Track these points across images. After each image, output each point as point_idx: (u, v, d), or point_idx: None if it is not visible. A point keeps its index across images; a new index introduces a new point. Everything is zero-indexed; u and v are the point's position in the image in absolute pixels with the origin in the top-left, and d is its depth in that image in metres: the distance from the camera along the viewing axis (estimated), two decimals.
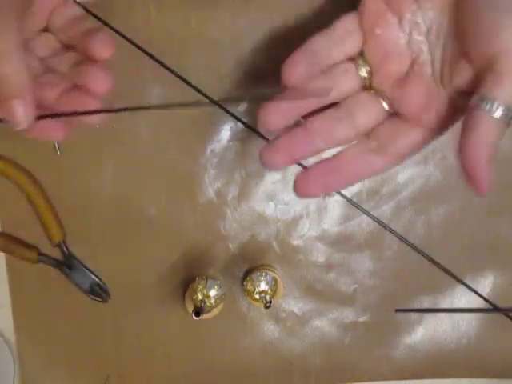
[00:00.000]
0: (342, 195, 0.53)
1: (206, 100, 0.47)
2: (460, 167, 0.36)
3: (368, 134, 0.40)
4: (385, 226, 0.54)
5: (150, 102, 0.51)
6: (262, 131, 0.41)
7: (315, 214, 0.54)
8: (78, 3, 0.42)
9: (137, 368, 0.56)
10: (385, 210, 0.54)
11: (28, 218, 0.54)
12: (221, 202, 0.54)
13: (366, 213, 0.53)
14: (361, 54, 0.40)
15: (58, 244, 0.54)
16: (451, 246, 0.54)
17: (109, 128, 0.52)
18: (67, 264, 0.54)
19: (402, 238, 0.54)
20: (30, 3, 0.37)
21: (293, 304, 0.55)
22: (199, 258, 0.54)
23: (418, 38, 0.37)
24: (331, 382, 0.56)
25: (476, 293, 0.54)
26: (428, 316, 0.55)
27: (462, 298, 0.54)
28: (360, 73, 0.40)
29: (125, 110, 0.40)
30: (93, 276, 0.55)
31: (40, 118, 0.38)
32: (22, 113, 0.37)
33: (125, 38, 0.48)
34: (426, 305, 0.55)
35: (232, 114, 0.52)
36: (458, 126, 0.53)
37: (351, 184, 0.41)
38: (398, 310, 0.54)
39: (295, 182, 0.40)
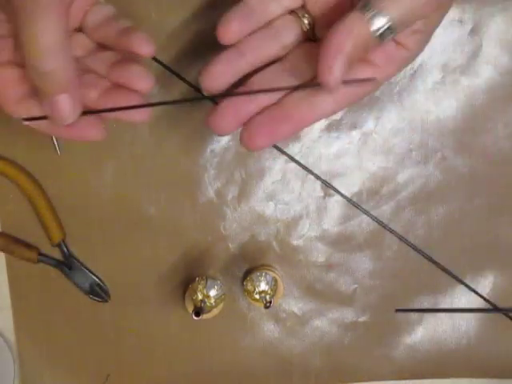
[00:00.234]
0: (342, 195, 0.53)
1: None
2: (319, 59, 0.35)
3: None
4: (385, 226, 0.54)
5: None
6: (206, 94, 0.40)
7: (315, 214, 0.54)
8: None
9: (137, 368, 0.56)
10: (385, 210, 0.54)
11: (28, 218, 0.54)
12: (221, 202, 0.54)
13: (366, 213, 0.53)
14: (302, 6, 0.40)
15: (58, 244, 0.54)
16: (451, 246, 0.54)
17: (109, 128, 0.52)
18: (67, 264, 0.54)
19: (402, 238, 0.54)
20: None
21: (293, 304, 0.55)
22: (199, 257, 0.54)
23: None
24: (331, 382, 0.56)
25: (476, 293, 0.54)
26: (428, 316, 0.55)
27: (461, 298, 0.54)
28: (302, 25, 0.40)
29: (166, 103, 0.40)
30: (93, 276, 0.55)
31: (85, 113, 0.38)
32: (68, 107, 0.36)
33: None
34: (425, 305, 0.55)
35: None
36: (458, 127, 0.53)
37: (298, 131, 0.39)
38: (397, 310, 0.54)
39: (241, 135, 0.39)
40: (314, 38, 0.41)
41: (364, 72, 0.38)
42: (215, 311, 0.53)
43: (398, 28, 0.35)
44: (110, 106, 0.39)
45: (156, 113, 0.52)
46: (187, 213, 0.54)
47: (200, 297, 0.51)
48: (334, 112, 0.39)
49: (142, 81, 0.38)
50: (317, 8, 0.40)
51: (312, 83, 0.38)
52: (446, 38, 0.51)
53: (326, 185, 0.53)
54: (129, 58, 0.39)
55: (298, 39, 0.41)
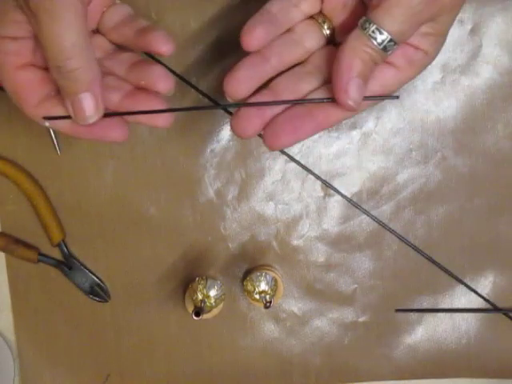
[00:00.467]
0: (342, 195, 0.53)
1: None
2: (332, 82, 0.37)
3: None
4: (385, 226, 0.54)
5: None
6: (230, 101, 0.40)
7: (315, 214, 0.54)
8: None
9: (137, 368, 0.56)
10: (385, 210, 0.54)
11: (28, 218, 0.54)
12: (221, 202, 0.54)
13: (366, 213, 0.53)
14: (320, 12, 0.41)
15: (58, 244, 0.54)
16: (451, 246, 0.54)
17: None
18: (67, 264, 0.54)
19: (401, 238, 0.54)
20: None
21: (293, 304, 0.55)
22: (199, 257, 0.54)
23: None
24: (331, 382, 0.56)
25: (476, 293, 0.54)
26: (428, 316, 0.55)
27: (461, 298, 0.54)
28: (322, 30, 0.41)
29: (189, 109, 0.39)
30: (93, 276, 0.55)
31: (106, 116, 0.38)
32: (91, 106, 0.37)
33: None
34: (425, 305, 0.55)
35: (229, 112, 0.52)
36: (458, 127, 0.53)
37: (321, 130, 0.39)
38: (397, 310, 0.54)
39: (264, 134, 0.39)
40: (335, 42, 0.42)
41: (386, 74, 0.38)
42: (215, 311, 0.53)
43: (399, 38, 0.36)
44: (131, 109, 0.38)
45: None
46: (187, 213, 0.54)
47: (200, 297, 0.51)
48: (358, 111, 0.39)
49: (163, 82, 0.38)
50: (334, 14, 0.41)
51: (329, 98, 0.38)
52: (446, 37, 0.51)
53: (326, 185, 0.53)
54: (147, 59, 0.39)
55: (320, 43, 0.41)
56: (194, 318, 0.49)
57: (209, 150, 0.53)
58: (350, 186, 0.53)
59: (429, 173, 0.53)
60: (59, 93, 0.38)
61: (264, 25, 0.38)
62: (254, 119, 0.39)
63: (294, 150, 0.53)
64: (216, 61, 0.52)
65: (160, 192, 0.54)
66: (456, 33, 0.51)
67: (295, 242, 0.54)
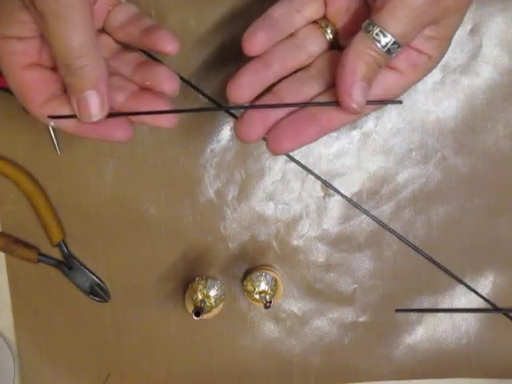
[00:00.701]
0: (342, 195, 0.53)
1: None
2: (336, 85, 0.37)
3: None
4: (385, 226, 0.54)
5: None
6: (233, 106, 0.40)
7: (315, 214, 0.54)
8: None
9: (137, 368, 0.56)
10: (385, 210, 0.54)
11: (28, 218, 0.54)
12: (221, 202, 0.54)
13: (366, 213, 0.53)
14: (324, 17, 0.41)
15: (58, 244, 0.54)
16: (451, 246, 0.54)
17: None
18: (67, 264, 0.54)
19: (401, 238, 0.54)
20: None
21: (293, 304, 0.55)
22: (199, 257, 0.54)
23: None
24: (331, 382, 0.56)
25: (476, 293, 0.54)
26: (428, 316, 0.55)
27: (461, 298, 0.54)
28: (325, 35, 0.41)
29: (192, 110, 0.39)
30: (93, 276, 0.55)
31: (111, 115, 0.38)
32: (97, 104, 0.37)
33: None
34: (425, 305, 0.54)
35: (232, 114, 0.52)
36: (458, 127, 0.53)
37: (324, 134, 0.39)
38: (397, 310, 0.54)
39: (267, 138, 0.39)
40: (338, 47, 0.42)
41: (389, 78, 0.38)
42: (215, 311, 0.53)
43: (402, 41, 0.36)
44: (136, 109, 0.39)
45: None
46: (187, 213, 0.54)
47: (200, 297, 0.51)
48: (361, 115, 0.39)
49: (168, 82, 0.38)
50: (337, 17, 0.41)
51: (333, 102, 0.38)
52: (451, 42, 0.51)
53: (326, 185, 0.53)
54: (157, 53, 0.39)
55: (323, 48, 0.41)
56: (194, 317, 0.49)
57: (209, 150, 0.53)
58: (350, 185, 0.53)
59: (429, 173, 0.53)
60: (65, 92, 0.38)
61: (265, 30, 0.38)
62: (257, 124, 0.39)
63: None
64: (217, 61, 0.52)
65: (160, 192, 0.54)
66: (456, 33, 0.51)
67: (295, 242, 0.54)
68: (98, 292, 0.55)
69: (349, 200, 0.53)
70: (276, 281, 0.51)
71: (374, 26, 0.35)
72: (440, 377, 0.56)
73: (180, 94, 0.51)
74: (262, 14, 0.39)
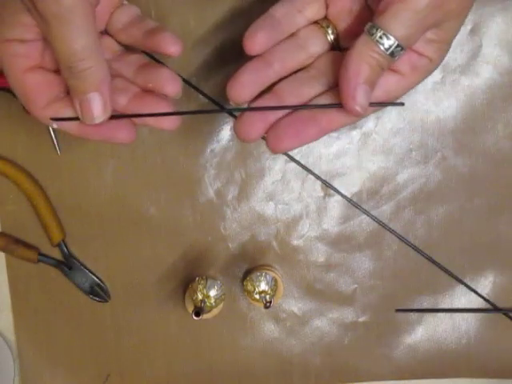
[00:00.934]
0: (342, 195, 0.53)
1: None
2: (340, 87, 0.37)
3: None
4: (385, 226, 0.54)
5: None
6: (233, 105, 0.40)
7: (315, 214, 0.54)
8: None
9: (137, 368, 0.56)
10: (385, 210, 0.54)
11: (28, 218, 0.54)
12: (221, 202, 0.54)
13: (366, 213, 0.53)
14: (325, 17, 0.41)
15: (58, 244, 0.54)
16: (451, 246, 0.54)
17: None
18: (67, 264, 0.54)
19: (402, 238, 0.54)
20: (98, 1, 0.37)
21: (293, 304, 0.55)
22: (199, 257, 0.54)
23: None
24: (331, 382, 0.56)
25: (476, 293, 0.54)
26: (428, 316, 0.55)
27: (461, 298, 0.54)
28: (327, 35, 0.41)
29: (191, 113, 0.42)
30: (93, 276, 0.55)
31: (113, 117, 0.38)
32: (99, 107, 0.37)
33: None
34: (425, 305, 0.55)
35: (232, 114, 0.52)
36: (458, 127, 0.53)
37: (324, 134, 0.39)
38: (397, 310, 0.54)
39: (267, 137, 0.39)
40: (339, 47, 0.42)
41: (389, 80, 0.38)
42: (215, 311, 0.53)
43: (405, 43, 0.36)
44: (139, 111, 0.39)
45: None
46: (187, 213, 0.54)
47: (200, 297, 0.51)
48: (362, 117, 0.39)
49: (171, 84, 0.38)
50: (339, 19, 0.41)
51: (336, 104, 0.38)
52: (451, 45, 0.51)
53: (326, 185, 0.53)
54: (160, 54, 0.40)
55: (324, 48, 0.41)
56: (194, 317, 0.49)
57: (209, 150, 0.53)
58: (350, 185, 0.53)
59: (429, 173, 0.53)
60: (67, 95, 0.38)
61: (266, 29, 0.38)
62: (257, 123, 0.39)
63: (294, 150, 0.53)
64: (217, 61, 0.52)
65: (160, 192, 0.54)
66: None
67: (295, 242, 0.54)
68: (98, 292, 0.55)
69: (349, 200, 0.53)
70: (276, 281, 0.51)
71: (377, 29, 0.35)
72: (440, 377, 0.56)
73: (183, 95, 0.51)
74: (263, 14, 0.39)
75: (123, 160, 0.53)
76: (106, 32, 0.42)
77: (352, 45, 0.37)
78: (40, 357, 0.56)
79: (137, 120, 0.39)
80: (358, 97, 0.36)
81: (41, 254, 0.54)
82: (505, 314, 0.54)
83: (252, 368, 0.56)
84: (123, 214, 0.54)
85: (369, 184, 0.53)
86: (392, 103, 0.39)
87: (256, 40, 0.38)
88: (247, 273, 0.54)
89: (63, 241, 0.54)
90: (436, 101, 0.52)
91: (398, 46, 0.36)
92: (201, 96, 0.52)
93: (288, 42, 0.40)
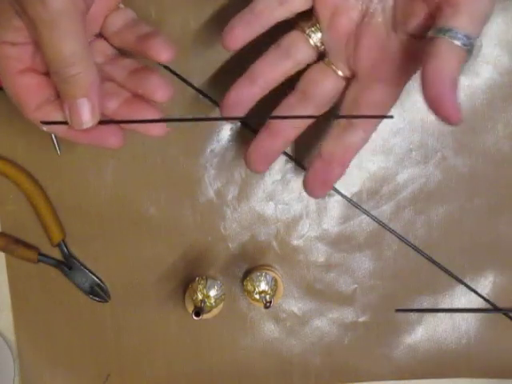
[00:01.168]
0: (342, 195, 0.53)
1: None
2: (424, 100, 0.36)
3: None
4: (385, 226, 0.54)
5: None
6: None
7: (315, 214, 0.54)
8: None
9: (137, 368, 0.56)
10: (385, 210, 0.54)
11: (28, 218, 0.54)
12: (221, 202, 0.54)
13: (366, 213, 0.53)
14: (312, 23, 0.41)
15: (58, 244, 0.54)
16: (451, 246, 0.54)
17: None
18: (67, 264, 0.54)
19: (402, 238, 0.54)
20: (90, 4, 0.37)
21: (293, 304, 0.55)
22: (199, 257, 0.54)
23: None
24: (331, 382, 0.56)
25: (476, 293, 0.54)
26: (428, 316, 0.55)
27: (461, 298, 0.54)
28: (311, 41, 0.41)
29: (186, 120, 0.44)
30: (93, 276, 0.55)
31: (102, 123, 0.38)
32: (88, 112, 0.37)
33: None
34: (425, 305, 0.55)
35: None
36: (458, 127, 0.53)
37: (348, 167, 0.43)
38: (397, 310, 0.54)
39: (305, 188, 0.43)
40: (323, 52, 0.42)
41: None
42: (215, 311, 0.53)
43: (476, 35, 0.35)
44: (128, 117, 0.39)
45: None
46: (187, 213, 0.54)
47: (200, 297, 0.51)
48: (367, 140, 0.42)
49: (160, 91, 0.38)
50: (326, 10, 0.40)
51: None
52: None
53: None
54: (148, 66, 0.40)
55: (309, 54, 0.42)
56: (194, 317, 0.49)
57: (209, 150, 0.53)
58: (349, 185, 0.53)
59: (429, 173, 0.53)
60: (58, 98, 0.38)
61: (244, 24, 0.39)
62: (261, 157, 0.44)
63: (293, 150, 0.53)
64: (217, 61, 0.51)
65: (160, 192, 0.54)
66: None
67: (295, 242, 0.54)
68: (97, 292, 0.55)
69: (349, 200, 0.53)
70: (276, 281, 0.51)
71: (450, 28, 0.34)
72: (440, 377, 0.56)
73: (179, 94, 0.51)
74: (245, 8, 0.39)
75: (123, 160, 0.53)
76: (100, 35, 0.42)
77: (431, 53, 0.35)
78: (40, 357, 0.56)
79: (126, 126, 0.39)
80: (457, 105, 0.35)
81: (41, 254, 0.54)
82: (505, 314, 0.54)
83: (252, 368, 0.56)
84: (123, 214, 0.54)
85: (369, 184, 0.53)
86: (382, 116, 0.40)
87: (232, 35, 0.38)
88: (247, 273, 0.54)
89: (63, 241, 0.54)
90: None
91: (472, 44, 0.35)
92: (201, 96, 0.52)
93: (271, 54, 0.41)
